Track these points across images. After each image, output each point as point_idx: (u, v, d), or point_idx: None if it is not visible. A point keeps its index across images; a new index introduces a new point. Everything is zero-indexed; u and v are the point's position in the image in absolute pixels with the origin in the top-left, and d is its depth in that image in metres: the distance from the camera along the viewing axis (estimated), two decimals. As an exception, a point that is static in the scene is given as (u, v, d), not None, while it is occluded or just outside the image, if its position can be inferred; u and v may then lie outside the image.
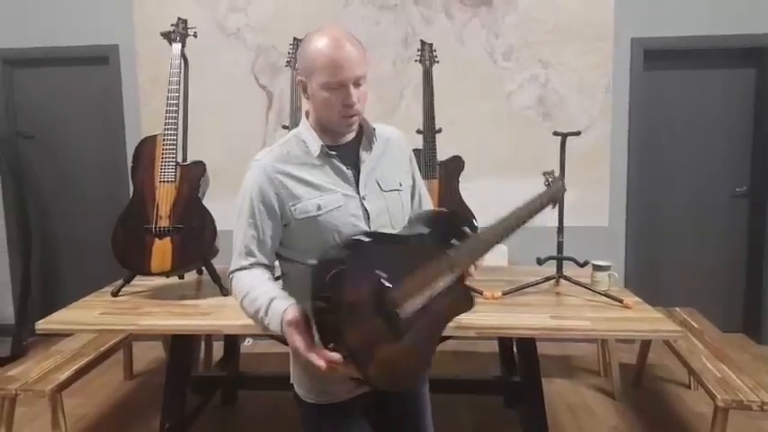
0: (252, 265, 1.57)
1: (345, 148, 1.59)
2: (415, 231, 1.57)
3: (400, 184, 1.67)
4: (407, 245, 1.53)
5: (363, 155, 1.60)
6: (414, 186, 1.76)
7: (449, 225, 1.61)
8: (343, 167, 1.57)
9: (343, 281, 1.31)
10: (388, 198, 1.61)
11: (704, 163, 4.52)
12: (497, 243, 1.63)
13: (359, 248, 1.39)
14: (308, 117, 1.60)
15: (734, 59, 4.38)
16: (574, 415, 3.42)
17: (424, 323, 1.48)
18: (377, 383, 1.40)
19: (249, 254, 1.56)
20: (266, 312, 1.43)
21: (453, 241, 1.56)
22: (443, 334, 2.42)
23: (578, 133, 2.81)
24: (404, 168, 1.72)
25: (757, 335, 4.46)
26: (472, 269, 1.60)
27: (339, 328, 1.30)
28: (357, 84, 1.48)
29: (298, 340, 1.35)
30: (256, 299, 1.47)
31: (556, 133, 2.82)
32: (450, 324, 2.34)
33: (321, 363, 1.30)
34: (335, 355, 1.29)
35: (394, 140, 1.70)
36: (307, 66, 1.49)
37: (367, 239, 1.42)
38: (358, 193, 1.57)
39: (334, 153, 1.56)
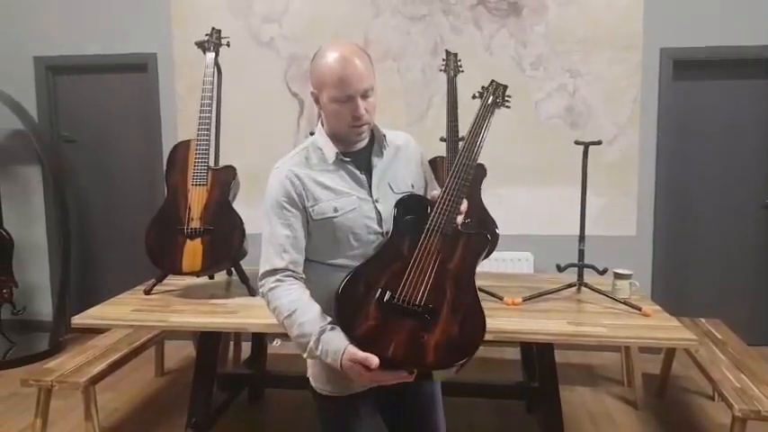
0: (288, 268, 1.62)
1: (358, 153, 1.68)
2: (389, 237, 1.64)
3: (412, 186, 1.74)
4: (393, 251, 1.61)
5: (375, 160, 1.69)
6: (426, 187, 1.83)
7: (412, 209, 1.66)
8: (357, 172, 1.66)
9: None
10: None
11: (734, 174, 4.48)
12: (465, 178, 1.64)
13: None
14: (322, 125, 1.69)
15: (764, 70, 4.34)
16: (595, 423, 3.43)
17: (446, 285, 1.57)
18: (445, 359, 1.53)
19: (284, 251, 1.61)
20: (317, 344, 1.52)
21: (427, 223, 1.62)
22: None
23: (599, 142, 2.84)
24: (415, 170, 1.79)
25: (787, 349, 4.40)
26: (460, 218, 1.64)
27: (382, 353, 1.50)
28: (365, 96, 1.57)
29: (364, 373, 1.47)
30: (302, 324, 1.55)
31: (578, 142, 2.86)
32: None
33: (396, 379, 1.51)
34: (402, 373, 1.51)
35: (404, 145, 1.78)
36: (317, 80, 1.59)
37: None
38: (371, 195, 1.66)
39: (348, 159, 1.65)
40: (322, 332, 1.52)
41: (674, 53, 4.27)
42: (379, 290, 1.54)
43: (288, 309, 1.58)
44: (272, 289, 1.62)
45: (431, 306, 1.54)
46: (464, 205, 1.65)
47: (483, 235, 1.66)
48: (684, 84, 4.38)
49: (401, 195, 1.68)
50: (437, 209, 1.62)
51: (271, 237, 1.63)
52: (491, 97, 1.82)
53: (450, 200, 1.62)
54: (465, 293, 1.59)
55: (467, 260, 1.62)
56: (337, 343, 1.50)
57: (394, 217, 1.64)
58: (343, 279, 1.56)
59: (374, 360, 1.45)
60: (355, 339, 1.50)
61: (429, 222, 1.61)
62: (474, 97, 1.93)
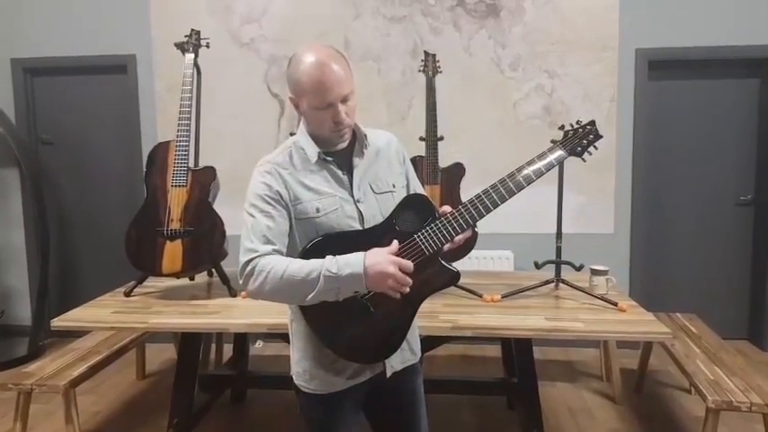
0: (272, 253, 1.57)
1: (340, 153, 1.68)
2: (383, 221, 1.66)
3: (393, 186, 1.75)
4: (371, 235, 1.62)
5: (356, 160, 1.70)
6: (408, 186, 1.84)
7: (416, 208, 1.67)
8: (340, 172, 1.66)
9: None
10: (381, 200, 1.70)
11: (709, 171, 4.56)
12: (478, 218, 1.67)
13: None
14: (304, 125, 1.69)
15: (738, 70, 4.43)
16: (574, 418, 3.47)
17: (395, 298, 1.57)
18: (348, 354, 1.66)
19: (268, 241, 1.58)
20: (334, 262, 1.50)
21: (425, 225, 1.64)
22: (441, 334, 2.52)
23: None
24: (397, 169, 1.79)
25: (761, 342, 4.49)
26: (448, 246, 1.66)
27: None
28: (345, 100, 1.57)
29: (391, 260, 1.51)
30: (310, 262, 1.52)
31: (554, 141, 2.89)
32: (448, 325, 2.45)
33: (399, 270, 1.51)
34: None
35: (385, 145, 1.79)
36: (296, 87, 1.58)
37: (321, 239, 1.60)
38: (352, 196, 1.66)
39: (330, 159, 1.66)
40: (335, 257, 1.52)
41: (648, 53, 4.34)
42: None
43: (286, 261, 1.54)
44: (258, 262, 1.55)
45: (370, 304, 1.59)
46: (461, 236, 1.67)
47: (454, 275, 1.67)
48: (659, 83, 4.45)
49: (381, 193, 1.70)
50: (435, 224, 1.63)
51: (253, 227, 1.58)
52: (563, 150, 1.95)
53: (452, 224, 1.63)
54: (404, 312, 1.66)
55: (426, 287, 1.65)
56: (356, 254, 1.52)
57: (395, 209, 1.66)
58: (316, 237, 1.59)
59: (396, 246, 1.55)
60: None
61: (420, 232, 1.62)
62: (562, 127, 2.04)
